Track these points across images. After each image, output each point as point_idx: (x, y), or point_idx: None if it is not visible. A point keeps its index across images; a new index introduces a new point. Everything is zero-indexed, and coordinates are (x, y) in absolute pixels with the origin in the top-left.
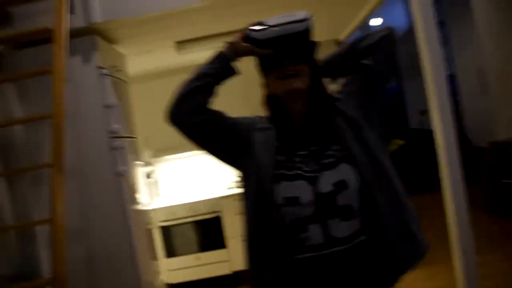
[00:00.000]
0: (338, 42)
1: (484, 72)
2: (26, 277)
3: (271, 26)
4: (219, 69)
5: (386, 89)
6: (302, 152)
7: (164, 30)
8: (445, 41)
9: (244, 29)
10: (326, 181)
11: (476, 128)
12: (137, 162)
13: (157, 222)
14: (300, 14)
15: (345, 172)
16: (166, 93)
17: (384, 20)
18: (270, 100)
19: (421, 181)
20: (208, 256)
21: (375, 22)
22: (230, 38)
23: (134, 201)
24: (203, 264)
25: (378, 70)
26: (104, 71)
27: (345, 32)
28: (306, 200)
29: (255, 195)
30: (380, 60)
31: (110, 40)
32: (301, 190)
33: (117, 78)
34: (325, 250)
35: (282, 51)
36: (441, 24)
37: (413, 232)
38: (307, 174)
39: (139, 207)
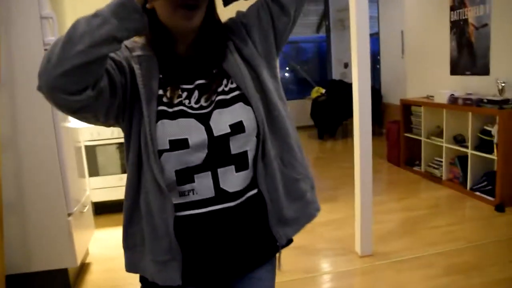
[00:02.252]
0: None
1: (404, 34)
2: None
3: None
4: (135, 29)
5: (290, 27)
6: (187, 86)
7: None
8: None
9: None
10: (221, 121)
11: (390, 86)
12: None
13: (82, 141)
14: None
15: (241, 112)
16: (97, 6)
17: None
18: (154, 23)
19: (336, 128)
20: None
21: None
22: None
23: (65, 118)
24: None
25: (289, 6)
26: None
27: None
28: (198, 142)
29: (137, 142)
30: None
31: None
32: (191, 130)
33: None
34: (214, 205)
35: None
36: None
37: (303, 191)
38: (195, 112)
39: (69, 125)
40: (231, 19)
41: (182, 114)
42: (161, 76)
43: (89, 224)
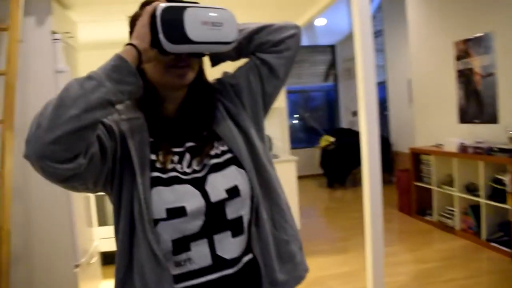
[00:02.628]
0: None
1: (411, 83)
2: None
3: (194, 42)
4: (129, 92)
5: (279, 88)
6: (178, 149)
7: (118, 3)
8: (381, 49)
9: (150, 17)
10: (217, 186)
11: (399, 134)
12: None
13: None
14: (229, 30)
15: (235, 176)
16: None
17: (328, 21)
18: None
19: (345, 177)
20: None
21: (320, 22)
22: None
23: None
24: None
25: (278, 69)
26: (57, 36)
27: None
28: (196, 209)
29: (128, 210)
30: (282, 59)
31: (64, 5)
32: (188, 197)
33: (69, 44)
34: (212, 274)
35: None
36: (379, 33)
37: (293, 253)
38: (189, 177)
39: None
40: (218, 80)
41: (177, 180)
42: (151, 140)
43: (96, 275)
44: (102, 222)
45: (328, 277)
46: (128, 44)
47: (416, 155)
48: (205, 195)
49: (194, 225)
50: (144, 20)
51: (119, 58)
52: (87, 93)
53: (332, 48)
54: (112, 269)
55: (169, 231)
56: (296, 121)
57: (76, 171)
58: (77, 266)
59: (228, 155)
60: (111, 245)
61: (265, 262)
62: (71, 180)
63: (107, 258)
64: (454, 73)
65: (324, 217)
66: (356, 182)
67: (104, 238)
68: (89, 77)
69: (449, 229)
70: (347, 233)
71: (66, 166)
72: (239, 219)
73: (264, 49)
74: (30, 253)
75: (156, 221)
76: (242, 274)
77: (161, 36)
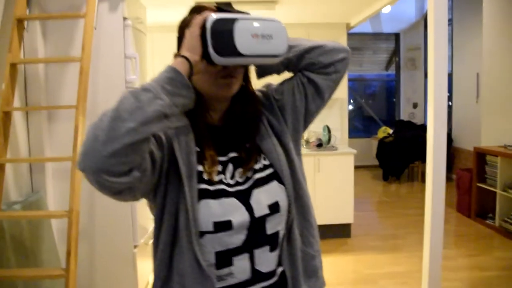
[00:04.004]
0: (348, 27)
1: (480, 77)
2: (34, 206)
3: (243, 56)
4: (182, 105)
5: (321, 108)
6: (221, 158)
7: None
8: (449, 39)
9: (201, 28)
10: (261, 201)
11: (462, 130)
12: None
13: None
14: (279, 43)
15: (276, 191)
16: (173, 47)
17: (393, 8)
18: None
19: (401, 171)
20: None
21: (384, 9)
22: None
23: None
24: None
25: (325, 91)
26: (128, 21)
27: (356, 19)
28: (240, 223)
29: (172, 220)
30: (329, 82)
31: None
32: (234, 210)
33: (138, 29)
34: (250, 287)
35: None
36: (448, 22)
37: (317, 268)
38: (233, 189)
39: None
40: (262, 92)
41: (224, 193)
42: (198, 149)
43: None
44: None
45: (379, 276)
46: (179, 55)
47: (481, 155)
48: (249, 209)
49: (238, 239)
50: (195, 32)
51: (173, 71)
52: (143, 106)
53: (396, 36)
54: None
55: (213, 244)
56: (352, 107)
57: (130, 184)
58: (135, 246)
59: (270, 170)
60: None
61: (293, 275)
62: (124, 193)
63: None
64: None
65: (377, 212)
66: (413, 177)
67: None
68: (145, 89)
69: None
70: (400, 231)
71: (122, 180)
72: (276, 234)
73: (313, 69)
74: (93, 232)
75: (201, 233)
76: (274, 286)
77: (210, 49)
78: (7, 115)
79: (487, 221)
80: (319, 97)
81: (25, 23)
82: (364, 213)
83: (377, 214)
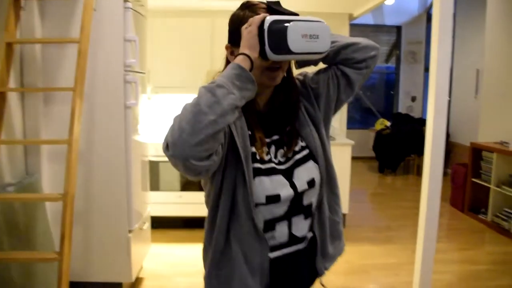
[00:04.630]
0: (351, 18)
1: (480, 73)
2: (28, 189)
3: (293, 53)
4: (248, 97)
5: (351, 98)
6: (267, 140)
7: None
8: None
9: (259, 26)
10: (301, 178)
11: (460, 125)
12: (143, 95)
13: (148, 156)
14: (323, 42)
15: (312, 169)
16: (174, 32)
17: (396, 2)
18: None
19: (398, 163)
20: (190, 196)
21: (387, 1)
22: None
23: (136, 132)
24: (184, 203)
25: (355, 83)
26: (128, 4)
27: (360, 9)
28: (287, 197)
29: (230, 196)
30: (360, 76)
31: None
32: (281, 186)
33: (139, 12)
34: (288, 248)
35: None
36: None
37: (341, 232)
38: (279, 168)
39: (139, 138)
40: (299, 80)
41: (273, 171)
42: (250, 133)
43: (146, 240)
44: (154, 188)
45: (372, 266)
46: (241, 53)
47: (477, 151)
48: (293, 186)
49: (282, 209)
50: (253, 31)
51: (239, 68)
52: (220, 100)
53: (397, 29)
54: (160, 234)
55: (264, 213)
56: (351, 99)
57: (210, 167)
58: (130, 231)
59: (306, 151)
60: (160, 210)
61: (322, 238)
62: (202, 174)
63: (155, 223)
64: None
65: (372, 203)
66: (408, 170)
67: (155, 203)
68: (219, 85)
69: (504, 232)
70: (394, 223)
71: (205, 163)
72: (310, 205)
73: (347, 63)
74: (88, 215)
75: (256, 205)
76: (306, 248)
77: (267, 47)
78: (2, 96)
79: (480, 216)
80: (350, 89)
81: (22, 1)
82: (359, 204)
83: (372, 206)
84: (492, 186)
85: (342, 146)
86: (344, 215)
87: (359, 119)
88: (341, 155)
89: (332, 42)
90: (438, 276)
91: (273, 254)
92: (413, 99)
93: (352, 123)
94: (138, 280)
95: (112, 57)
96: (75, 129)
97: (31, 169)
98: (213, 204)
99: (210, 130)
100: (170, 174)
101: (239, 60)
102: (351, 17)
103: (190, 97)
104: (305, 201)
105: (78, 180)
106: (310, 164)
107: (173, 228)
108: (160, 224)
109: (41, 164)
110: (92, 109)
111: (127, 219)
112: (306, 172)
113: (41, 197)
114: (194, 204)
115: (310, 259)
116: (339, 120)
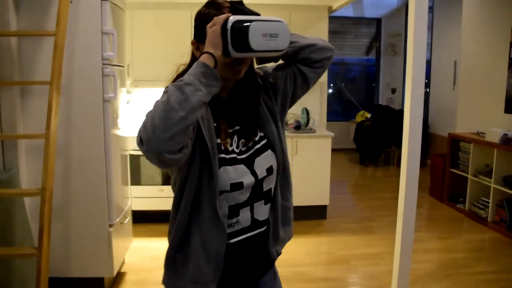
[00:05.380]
0: (330, 10)
1: (457, 65)
2: (6, 184)
3: (254, 51)
4: (213, 92)
5: (305, 93)
6: (230, 131)
7: None
8: (429, 26)
9: (222, 24)
10: (261, 166)
11: (438, 116)
12: (122, 89)
13: (128, 150)
14: (283, 41)
15: (271, 158)
16: (154, 25)
17: None
18: None
19: (379, 155)
20: (171, 190)
21: None
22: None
23: (115, 125)
24: (165, 197)
25: (311, 81)
26: None
27: (339, 2)
28: (248, 184)
29: (195, 183)
30: (315, 74)
31: None
32: (243, 174)
33: (116, 5)
34: (250, 232)
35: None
36: (429, 9)
37: (291, 218)
38: (240, 157)
39: (119, 132)
40: (259, 75)
41: (236, 161)
42: (215, 125)
43: (128, 234)
44: (135, 182)
45: (352, 257)
46: (205, 52)
47: (455, 141)
48: (254, 173)
49: (245, 195)
50: (217, 30)
51: (205, 66)
52: (189, 97)
53: (377, 21)
54: (141, 228)
55: (228, 200)
56: (332, 92)
57: (182, 158)
58: (111, 226)
59: (265, 141)
60: (141, 205)
61: (274, 223)
62: (175, 165)
63: (136, 217)
64: (506, 60)
65: (352, 194)
66: (389, 161)
67: (136, 197)
68: (187, 83)
69: (481, 220)
70: (374, 213)
71: (177, 156)
72: (269, 190)
73: (305, 63)
74: (68, 210)
75: (220, 192)
76: (266, 233)
77: (229, 46)
78: None
79: (458, 205)
80: (306, 85)
81: None
82: (340, 196)
83: (353, 197)
84: (469, 176)
85: (322, 138)
86: (324, 206)
87: (340, 111)
88: (321, 147)
89: (292, 42)
90: (418, 265)
91: (235, 239)
92: (393, 91)
93: (333, 115)
94: (120, 275)
95: (90, 50)
96: (52, 123)
97: (9, 164)
98: (178, 191)
99: (182, 126)
100: (151, 168)
101: (204, 58)
102: (330, 9)
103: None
104: (265, 187)
105: (57, 175)
106: (268, 152)
107: (154, 223)
108: (141, 218)
109: (19, 158)
110: (70, 103)
111: (107, 214)
112: (265, 160)
113: (18, 192)
114: None
115: (263, 243)
116: (319, 113)
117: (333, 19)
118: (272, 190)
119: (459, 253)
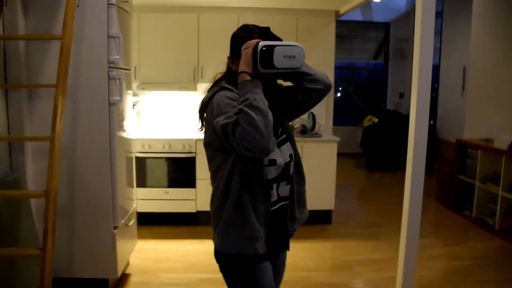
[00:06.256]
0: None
1: (467, 71)
2: (12, 185)
3: (277, 68)
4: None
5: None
6: None
7: None
8: (438, 31)
9: (253, 49)
10: (286, 152)
11: (446, 122)
12: (128, 92)
13: (134, 152)
14: (299, 61)
15: (290, 148)
16: (161, 28)
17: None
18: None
19: (386, 160)
20: (177, 193)
21: None
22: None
23: (121, 128)
24: (171, 199)
25: (309, 104)
26: (112, 0)
27: (346, 6)
28: (280, 163)
29: (247, 157)
30: (313, 101)
31: None
32: (276, 154)
33: (123, 9)
34: (277, 204)
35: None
36: (438, 14)
37: (305, 201)
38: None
39: (124, 134)
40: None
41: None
42: None
43: (132, 236)
44: (140, 184)
45: (356, 262)
46: (242, 71)
47: (463, 147)
48: (283, 156)
49: (275, 172)
50: (249, 53)
51: (251, 81)
52: (262, 107)
53: (385, 25)
54: (146, 230)
55: (266, 174)
56: (340, 96)
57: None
58: (115, 227)
59: (284, 136)
60: (146, 207)
61: (291, 203)
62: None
63: (141, 219)
64: None
65: (358, 199)
66: (396, 167)
67: (141, 199)
68: (253, 100)
69: (488, 228)
70: (380, 219)
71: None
72: (291, 175)
73: (298, 88)
74: (73, 211)
75: (263, 166)
76: (286, 207)
77: (259, 65)
78: None
79: (465, 212)
80: (295, 108)
81: None
82: (346, 201)
83: (358, 202)
84: (477, 183)
85: (328, 142)
86: (330, 211)
87: (348, 116)
88: (327, 152)
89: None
90: (423, 272)
91: (273, 208)
92: (401, 95)
93: (341, 120)
94: (124, 276)
95: (96, 54)
96: (58, 126)
97: (16, 166)
98: (230, 168)
99: (269, 128)
100: (157, 170)
101: (243, 76)
102: (337, 14)
103: (176, 94)
104: (290, 171)
105: (63, 177)
106: (288, 144)
107: (159, 225)
108: (146, 220)
109: (26, 160)
110: (76, 106)
111: (112, 215)
112: (287, 149)
113: (23, 194)
114: (181, 200)
115: (283, 218)
116: (325, 117)
117: (341, 23)
118: (292, 175)
119: (465, 261)
